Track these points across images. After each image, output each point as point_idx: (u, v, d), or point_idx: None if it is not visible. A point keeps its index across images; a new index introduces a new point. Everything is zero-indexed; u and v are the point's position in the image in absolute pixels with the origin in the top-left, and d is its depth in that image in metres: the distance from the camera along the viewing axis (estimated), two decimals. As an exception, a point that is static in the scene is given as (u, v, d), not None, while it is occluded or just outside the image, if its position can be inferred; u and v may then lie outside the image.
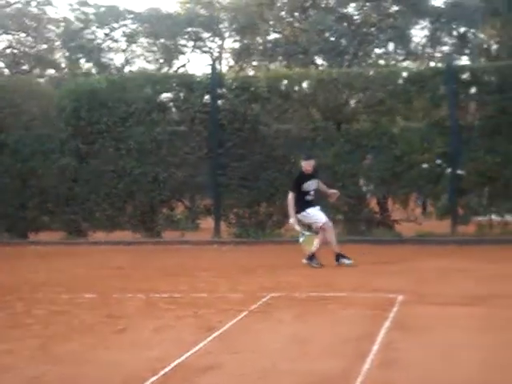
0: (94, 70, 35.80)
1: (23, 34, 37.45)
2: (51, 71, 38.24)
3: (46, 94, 17.36)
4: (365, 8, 30.41)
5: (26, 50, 37.79)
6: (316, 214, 12.13)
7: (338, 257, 12.02)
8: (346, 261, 11.97)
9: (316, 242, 12.05)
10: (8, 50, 37.76)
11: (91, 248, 15.30)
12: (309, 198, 12.15)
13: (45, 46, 37.60)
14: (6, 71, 35.86)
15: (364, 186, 15.92)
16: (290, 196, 12.09)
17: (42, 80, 32.78)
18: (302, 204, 12.08)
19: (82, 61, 37.51)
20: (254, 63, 33.96)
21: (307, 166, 12.22)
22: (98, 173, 16.00)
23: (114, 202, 16.06)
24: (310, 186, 12.16)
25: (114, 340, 7.42)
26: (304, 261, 12.03)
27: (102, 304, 9.25)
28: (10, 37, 37.61)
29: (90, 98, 16.05)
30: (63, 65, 38.25)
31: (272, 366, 6.35)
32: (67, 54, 37.38)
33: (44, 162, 16.11)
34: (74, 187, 16.07)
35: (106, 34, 37.34)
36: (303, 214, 12.10)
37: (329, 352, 6.76)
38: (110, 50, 37.84)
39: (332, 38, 30.68)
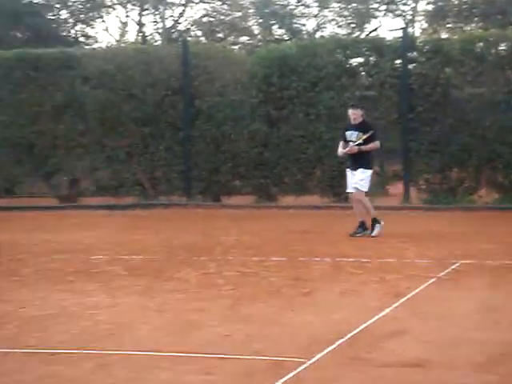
0: (285, 37, 36.12)
1: (219, 3, 38.33)
2: (245, 38, 38.97)
3: (239, 60, 17.68)
4: None
5: (221, 17, 38.69)
6: (348, 179, 11.90)
7: (373, 222, 11.82)
8: (375, 229, 11.76)
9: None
10: (204, 19, 38.81)
11: (280, 212, 15.53)
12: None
13: (239, 14, 38.32)
14: (203, 39, 36.87)
15: None
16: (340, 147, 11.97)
17: (235, 47, 33.48)
18: (348, 159, 11.99)
19: (275, 27, 37.91)
20: (449, 26, 33.01)
21: (351, 114, 11.91)
22: (287, 138, 16.17)
23: (303, 167, 16.19)
24: (349, 136, 11.83)
25: (300, 302, 7.52)
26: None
27: (290, 267, 9.39)
28: (206, 5, 38.63)
29: (281, 63, 16.20)
30: (256, 32, 38.83)
31: (461, 334, 6.22)
32: (260, 20, 37.90)
33: (236, 127, 16.44)
34: (264, 152, 16.32)
35: (299, 0, 37.51)
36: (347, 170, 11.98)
37: (521, 322, 6.54)
38: (302, 15, 37.99)
39: (532, -3, 29.25)
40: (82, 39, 36.70)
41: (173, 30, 38.63)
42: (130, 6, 38.84)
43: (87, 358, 5.79)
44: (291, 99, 16.10)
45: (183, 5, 38.27)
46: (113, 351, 5.91)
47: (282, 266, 9.52)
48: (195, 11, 39.12)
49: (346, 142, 11.85)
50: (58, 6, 36.16)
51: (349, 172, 11.91)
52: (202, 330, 6.54)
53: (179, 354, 5.79)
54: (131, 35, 40.09)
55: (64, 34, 35.25)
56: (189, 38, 32.01)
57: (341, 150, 11.93)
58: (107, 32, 39.87)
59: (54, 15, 35.71)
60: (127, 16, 39.59)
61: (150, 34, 39.00)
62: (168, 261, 10.10)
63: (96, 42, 37.23)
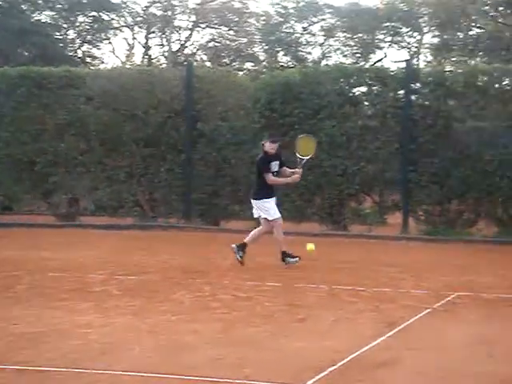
0: (291, 64, 36.28)
1: (225, 28, 38.56)
2: (250, 64, 39.14)
3: (243, 85, 17.69)
4: None
5: (228, 43, 38.89)
6: (273, 208, 11.54)
7: (284, 256, 11.42)
8: (290, 259, 11.38)
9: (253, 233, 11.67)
10: (210, 44, 39.02)
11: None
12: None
13: (245, 40, 38.52)
14: (208, 64, 37.03)
15: None
16: (272, 177, 11.52)
17: (240, 73, 33.61)
18: (268, 189, 11.58)
19: (280, 54, 38.12)
20: (453, 59, 33.17)
21: (274, 147, 11.61)
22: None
23: (303, 194, 16.16)
24: (274, 166, 11.60)
25: (293, 328, 7.49)
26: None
27: (285, 292, 9.36)
28: (212, 31, 38.85)
29: (284, 90, 16.23)
30: (261, 58, 39.02)
31: (454, 366, 6.19)
32: (266, 47, 38.10)
33: (237, 152, 16.45)
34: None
35: (304, 28, 37.71)
36: (264, 200, 11.53)
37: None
38: (308, 43, 38.20)
39: (538, 34, 29.43)
40: (88, 60, 36.89)
41: (179, 54, 38.81)
42: (136, 29, 39.09)
43: (76, 378, 5.76)
44: (293, 126, 16.09)
45: (190, 29, 38.50)
46: (103, 371, 5.88)
47: (277, 291, 9.49)
48: (202, 36, 39.34)
49: (273, 173, 11.59)
50: (65, 25, 36.36)
51: (272, 200, 11.57)
52: (192, 351, 6.51)
53: (171, 376, 5.76)
54: (137, 57, 40.26)
55: (70, 54, 35.40)
56: (194, 62, 32.16)
57: (296, 176, 11.76)
58: (113, 54, 40.06)
59: (61, 35, 35.90)
60: (134, 38, 39.86)
61: (156, 57, 39.20)
62: (163, 282, 10.07)
63: (102, 62, 37.44)
